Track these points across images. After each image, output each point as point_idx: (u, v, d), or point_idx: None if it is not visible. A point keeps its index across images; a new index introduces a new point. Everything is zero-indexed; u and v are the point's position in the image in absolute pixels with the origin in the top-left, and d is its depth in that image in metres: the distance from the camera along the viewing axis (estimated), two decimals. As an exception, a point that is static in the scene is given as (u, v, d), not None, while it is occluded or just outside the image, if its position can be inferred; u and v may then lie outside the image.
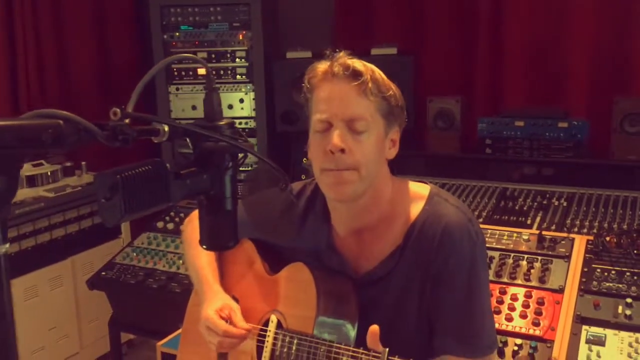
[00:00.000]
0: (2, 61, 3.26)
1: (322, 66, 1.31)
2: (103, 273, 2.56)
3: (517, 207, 2.68)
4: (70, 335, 3.14)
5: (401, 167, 3.26)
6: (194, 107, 3.52)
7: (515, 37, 3.26)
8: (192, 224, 1.62)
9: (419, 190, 1.39)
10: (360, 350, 1.16)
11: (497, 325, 1.86)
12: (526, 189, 2.83)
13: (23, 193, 2.93)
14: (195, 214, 1.59)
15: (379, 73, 1.33)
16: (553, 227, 2.39)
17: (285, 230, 1.36)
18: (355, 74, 1.26)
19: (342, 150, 1.25)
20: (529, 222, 2.51)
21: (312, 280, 1.32)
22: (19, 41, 3.30)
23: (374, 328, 1.16)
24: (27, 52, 3.34)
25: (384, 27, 3.62)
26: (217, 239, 0.96)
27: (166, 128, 0.83)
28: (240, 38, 3.48)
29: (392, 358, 1.11)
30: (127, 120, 0.78)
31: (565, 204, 2.65)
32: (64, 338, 3.11)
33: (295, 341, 1.30)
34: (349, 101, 1.26)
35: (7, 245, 0.66)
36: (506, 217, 2.59)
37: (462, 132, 3.24)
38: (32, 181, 3.00)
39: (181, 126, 0.85)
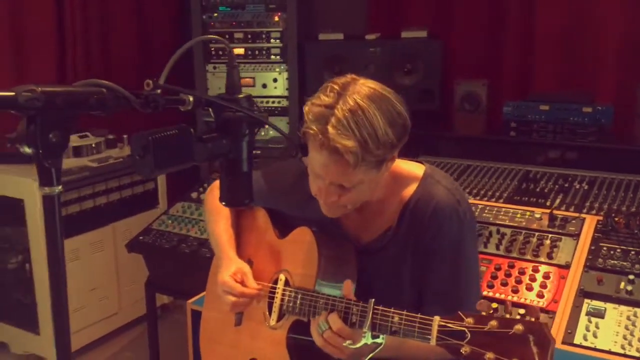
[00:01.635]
0: (52, 44, 3.48)
1: (315, 126, 1.29)
2: (141, 237, 2.75)
3: (538, 189, 2.74)
4: (109, 297, 3.37)
5: (428, 147, 3.39)
6: (229, 85, 3.68)
7: (545, 22, 3.30)
8: (213, 194, 1.77)
9: (414, 170, 1.50)
10: (352, 301, 1.30)
11: (502, 297, 1.99)
12: (549, 172, 2.87)
13: (69, 162, 3.14)
14: (216, 184, 1.74)
15: (372, 133, 1.28)
16: (572, 209, 2.45)
17: (295, 199, 1.51)
18: (345, 152, 1.27)
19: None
20: (547, 203, 2.58)
21: (314, 242, 1.47)
22: (67, 22, 3.52)
23: (348, 281, 1.32)
24: (75, 32, 3.55)
25: (416, 10, 3.70)
26: (234, 196, 1.11)
27: (191, 98, 0.97)
28: (276, 19, 3.61)
29: (377, 307, 1.25)
30: (158, 91, 0.93)
31: (586, 187, 2.70)
32: (104, 299, 3.34)
33: (299, 296, 1.45)
34: (338, 174, 1.32)
35: (60, 187, 0.80)
36: (526, 199, 2.65)
37: (488, 115, 3.31)
38: (78, 152, 3.21)
39: (204, 97, 1.00)
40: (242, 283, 1.55)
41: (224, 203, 1.12)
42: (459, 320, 1.08)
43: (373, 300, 1.25)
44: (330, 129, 1.26)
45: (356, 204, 1.43)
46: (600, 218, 2.22)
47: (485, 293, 2.02)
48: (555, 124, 3.06)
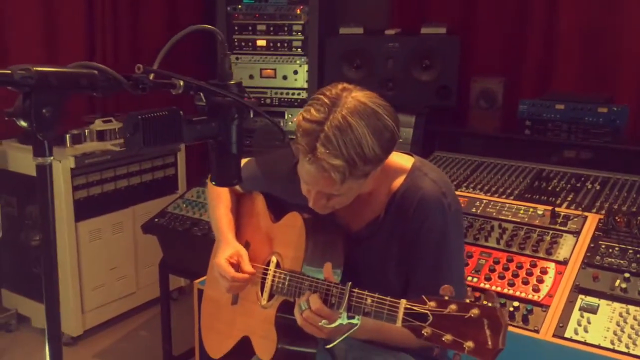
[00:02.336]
0: (82, 30, 3.62)
1: (305, 142, 1.34)
2: (156, 220, 2.86)
3: (549, 188, 2.75)
4: (128, 277, 3.49)
5: (443, 143, 3.42)
6: (251, 77, 3.76)
7: (568, 21, 3.30)
8: None
9: (403, 163, 1.56)
10: (332, 284, 1.37)
11: (498, 289, 2.03)
12: (562, 171, 2.88)
13: (92, 146, 3.27)
14: None
15: (360, 152, 1.33)
16: (581, 208, 2.43)
17: (289, 186, 1.58)
18: (332, 171, 1.33)
19: None
20: (557, 202, 2.60)
21: (303, 226, 1.54)
22: (97, 9, 3.65)
23: (328, 264, 1.38)
24: (104, 22, 3.69)
25: (438, 6, 3.72)
26: (223, 176, 1.18)
27: (181, 83, 1.05)
28: (298, 12, 3.68)
29: (354, 290, 1.31)
30: (151, 75, 1.01)
31: (598, 187, 2.70)
32: (122, 278, 3.47)
33: (287, 278, 1.53)
34: (325, 187, 1.39)
35: (52, 157, 0.87)
36: (537, 197, 2.66)
37: (504, 113, 3.33)
38: (101, 136, 3.33)
39: (194, 82, 1.07)
40: (238, 265, 1.63)
41: (213, 183, 1.19)
42: (422, 304, 1.14)
43: (350, 283, 1.32)
44: (319, 147, 1.32)
45: (344, 204, 1.49)
46: (602, 217, 2.24)
47: (482, 285, 2.06)
48: (570, 123, 3.07)
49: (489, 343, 1.03)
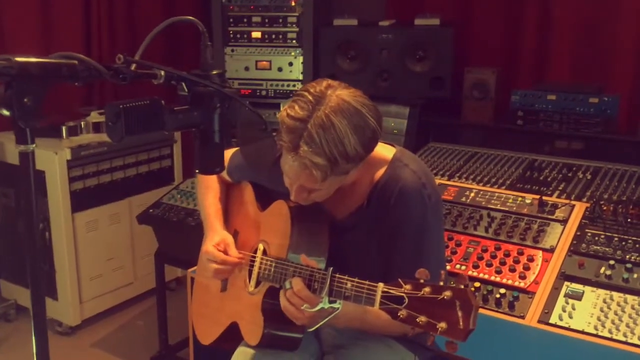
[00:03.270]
0: (78, 22, 3.64)
1: (289, 139, 1.38)
2: (151, 210, 2.89)
3: (541, 178, 2.77)
4: (125, 267, 3.53)
5: (437, 134, 3.44)
6: (246, 69, 3.78)
7: (563, 12, 3.31)
8: None
9: (385, 153, 1.59)
10: (316, 270, 1.40)
11: (486, 277, 2.06)
12: (554, 161, 2.90)
13: (88, 137, 3.30)
14: None
15: (343, 151, 1.37)
16: (572, 197, 2.44)
17: (275, 175, 1.61)
18: (314, 169, 1.37)
19: None
20: (549, 192, 2.63)
21: (288, 215, 1.57)
22: (93, 3, 3.67)
23: (303, 256, 1.44)
24: (100, 11, 3.71)
25: (432, -3, 3.74)
26: (207, 164, 1.22)
27: (162, 73, 1.07)
28: (293, 4, 3.69)
29: (335, 274, 1.35)
30: (133, 65, 1.04)
31: (589, 177, 2.72)
32: (119, 269, 3.51)
33: (273, 264, 1.56)
34: (307, 182, 1.44)
35: (34, 145, 0.90)
36: (529, 186, 2.69)
37: (497, 103, 3.35)
38: (97, 127, 3.36)
39: (175, 72, 1.10)
40: (225, 252, 1.66)
41: (197, 171, 1.22)
42: (398, 287, 1.17)
43: (332, 268, 1.36)
44: (302, 145, 1.36)
45: (324, 198, 1.53)
46: (589, 205, 2.27)
47: (470, 273, 2.09)
48: (562, 113, 3.08)
49: (461, 324, 1.06)
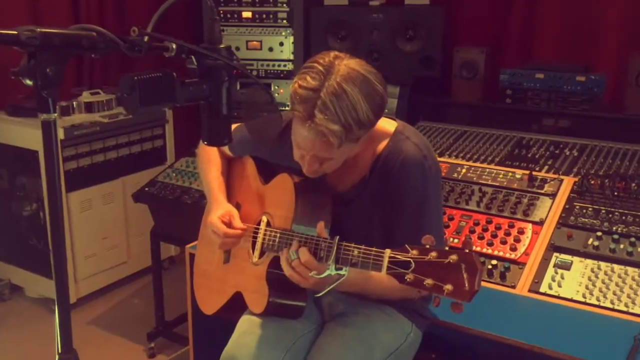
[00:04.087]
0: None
1: (303, 109, 1.41)
2: (146, 189, 2.92)
3: (529, 155, 2.83)
4: (119, 246, 3.57)
5: (427, 113, 3.49)
6: (237, 49, 3.79)
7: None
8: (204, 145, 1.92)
9: (386, 127, 1.64)
10: (321, 239, 1.45)
11: (478, 249, 2.13)
12: (542, 139, 2.97)
13: (81, 117, 3.31)
14: None
15: (356, 117, 1.41)
16: (560, 173, 2.52)
17: (279, 150, 1.65)
18: (330, 135, 1.41)
19: None
20: (537, 168, 2.69)
21: (292, 187, 1.62)
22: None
23: (321, 223, 1.46)
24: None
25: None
26: (214, 137, 1.25)
27: (174, 46, 1.10)
28: (283, -17, 3.70)
29: (342, 243, 1.40)
30: (146, 38, 1.07)
31: (576, 154, 2.79)
32: (113, 248, 3.54)
33: (278, 235, 1.61)
34: (321, 151, 1.47)
35: (56, 114, 0.93)
36: (517, 163, 2.75)
37: (486, 82, 3.40)
38: (89, 107, 3.37)
39: (186, 45, 1.13)
40: (229, 224, 1.70)
41: (205, 142, 1.26)
42: (405, 253, 1.23)
43: (338, 237, 1.40)
44: (317, 113, 1.40)
45: (334, 168, 1.58)
46: (577, 180, 2.34)
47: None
48: (550, 92, 3.15)
49: (466, 285, 1.12)
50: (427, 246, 1.21)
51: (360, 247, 1.35)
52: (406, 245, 1.23)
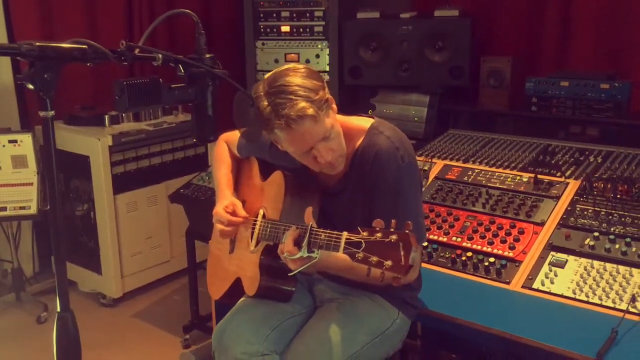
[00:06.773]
0: (121, 17, 3.96)
1: (276, 119, 1.59)
2: (182, 190, 3.15)
3: (553, 162, 2.88)
4: (162, 246, 3.82)
5: (455, 121, 3.59)
6: (276, 61, 4.01)
7: (583, 2, 3.41)
8: (219, 146, 2.13)
9: (363, 124, 1.79)
10: (300, 226, 1.60)
11: (478, 248, 2.23)
12: (567, 146, 3.00)
13: (128, 125, 3.61)
14: (223, 136, 2.10)
15: (304, 88, 1.60)
16: (568, 176, 2.56)
17: (275, 152, 1.82)
18: (305, 112, 1.58)
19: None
20: (558, 174, 2.73)
21: (283, 182, 1.80)
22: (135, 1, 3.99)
23: (308, 209, 1.61)
24: (141, 10, 4.02)
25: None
26: (201, 133, 1.44)
27: (160, 56, 1.30)
28: (319, -1, 3.90)
29: (314, 228, 1.55)
30: (137, 50, 1.27)
31: (600, 160, 2.81)
32: (157, 247, 3.80)
33: (269, 226, 1.78)
34: (316, 130, 1.62)
35: (53, 112, 1.14)
36: (540, 169, 2.80)
37: (513, 91, 3.47)
38: (136, 116, 3.66)
39: (172, 56, 1.32)
40: (234, 214, 1.89)
41: (194, 139, 1.45)
42: (357, 234, 1.37)
43: (311, 224, 1.56)
44: (284, 111, 1.57)
45: (344, 150, 1.72)
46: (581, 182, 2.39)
47: (464, 244, 2.26)
48: (574, 99, 3.18)
49: (402, 261, 1.26)
50: (377, 228, 1.35)
51: (326, 231, 1.50)
52: (358, 228, 1.38)
